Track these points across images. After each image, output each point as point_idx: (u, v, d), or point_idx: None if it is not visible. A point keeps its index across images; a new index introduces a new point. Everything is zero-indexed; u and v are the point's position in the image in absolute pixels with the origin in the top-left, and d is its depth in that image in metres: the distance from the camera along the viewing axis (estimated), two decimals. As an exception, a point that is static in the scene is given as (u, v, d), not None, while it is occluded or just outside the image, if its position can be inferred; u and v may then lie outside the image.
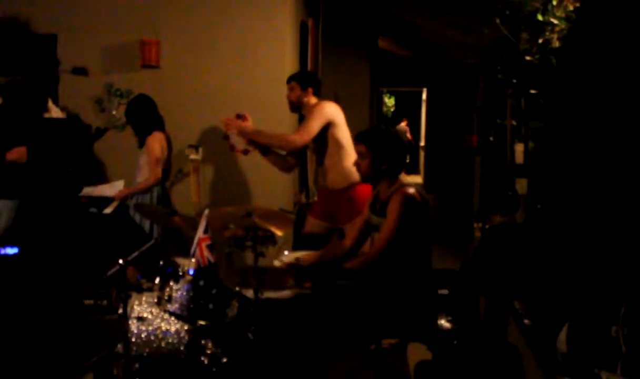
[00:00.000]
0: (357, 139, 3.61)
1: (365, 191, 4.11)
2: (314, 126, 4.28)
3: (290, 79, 4.56)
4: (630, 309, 2.28)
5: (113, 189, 4.86)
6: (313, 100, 4.48)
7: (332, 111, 4.37)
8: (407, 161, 3.56)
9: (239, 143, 4.53)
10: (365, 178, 3.61)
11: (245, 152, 4.59)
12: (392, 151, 3.46)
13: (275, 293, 3.36)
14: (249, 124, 4.48)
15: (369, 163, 3.49)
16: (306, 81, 4.49)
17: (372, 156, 3.47)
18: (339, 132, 4.37)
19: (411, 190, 3.40)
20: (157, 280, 3.27)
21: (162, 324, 3.20)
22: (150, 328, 3.19)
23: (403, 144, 3.55)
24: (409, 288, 3.36)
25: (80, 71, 5.61)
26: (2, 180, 4.10)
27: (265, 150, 4.54)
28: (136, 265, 3.59)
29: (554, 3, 3.45)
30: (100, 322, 3.03)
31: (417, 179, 16.77)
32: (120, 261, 3.04)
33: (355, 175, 4.27)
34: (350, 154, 4.30)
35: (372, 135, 3.55)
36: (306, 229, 4.54)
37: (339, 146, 4.36)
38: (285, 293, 3.39)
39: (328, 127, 4.32)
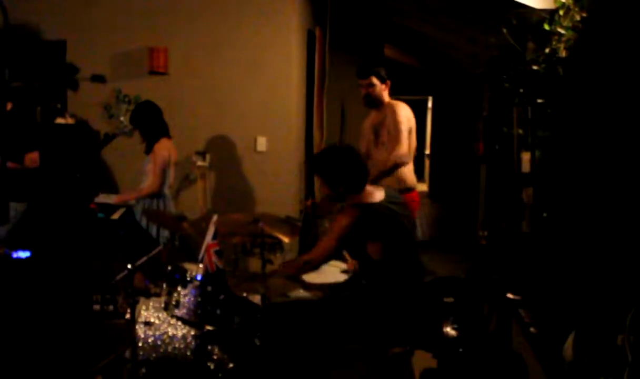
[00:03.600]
0: (310, 169, 3.52)
1: (413, 198, 4.24)
2: (405, 136, 4.24)
3: (367, 74, 4.38)
4: (637, 317, 2.28)
5: (109, 198, 4.88)
6: (386, 95, 4.40)
7: (411, 118, 4.33)
8: (365, 174, 3.37)
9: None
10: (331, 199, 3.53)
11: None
12: (342, 174, 3.32)
13: (282, 297, 3.38)
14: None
15: (329, 190, 3.41)
16: (384, 75, 4.39)
17: (327, 184, 3.39)
18: (411, 139, 4.34)
19: (371, 201, 3.30)
20: (165, 285, 3.29)
21: (169, 329, 3.21)
22: (157, 333, 3.20)
23: (353, 160, 3.37)
24: (399, 295, 3.33)
25: (99, 79, 5.66)
26: (13, 185, 4.14)
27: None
28: (144, 270, 3.61)
29: (561, 13, 3.46)
30: (109, 326, 3.04)
31: (422, 187, 16.77)
32: (129, 266, 3.06)
33: (409, 181, 4.33)
34: (410, 160, 4.35)
35: (320, 163, 3.43)
36: None
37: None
38: (293, 296, 3.41)
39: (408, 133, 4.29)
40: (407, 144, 4.27)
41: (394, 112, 4.30)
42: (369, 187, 3.38)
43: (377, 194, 3.36)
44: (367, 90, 4.38)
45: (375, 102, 4.42)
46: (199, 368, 3.11)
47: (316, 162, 3.47)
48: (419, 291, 3.44)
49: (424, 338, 3.47)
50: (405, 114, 4.32)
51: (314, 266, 3.32)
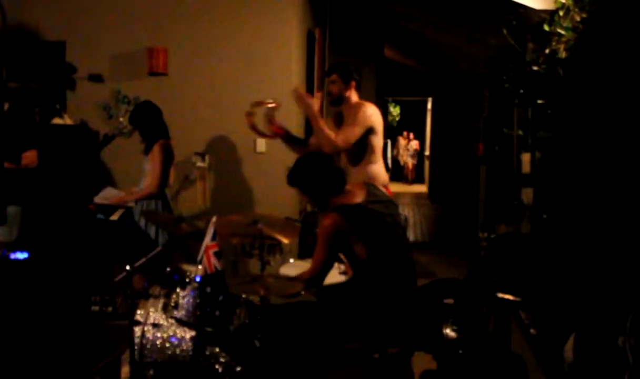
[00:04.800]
0: (289, 183, 3.49)
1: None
2: (357, 133, 4.21)
3: (331, 71, 4.46)
4: (637, 319, 2.27)
5: (106, 196, 4.87)
6: (354, 96, 4.40)
7: (375, 118, 4.30)
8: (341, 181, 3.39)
9: (266, 129, 4.46)
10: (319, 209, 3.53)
11: (275, 135, 4.49)
12: (316, 182, 3.35)
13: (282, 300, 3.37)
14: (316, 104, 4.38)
15: (308, 199, 3.47)
16: (348, 75, 4.38)
17: (305, 193, 3.42)
18: (376, 138, 4.30)
19: (348, 203, 3.30)
20: (163, 287, 3.28)
21: (178, 331, 3.19)
22: (166, 335, 3.19)
23: (323, 166, 3.39)
24: (392, 296, 3.31)
25: (97, 78, 5.65)
26: (12, 186, 4.13)
27: (292, 141, 4.54)
28: (143, 272, 3.60)
29: (561, 14, 3.46)
30: (108, 328, 3.04)
31: (422, 188, 16.76)
32: (128, 268, 3.05)
33: (379, 179, 4.27)
34: (379, 159, 4.33)
35: (295, 176, 3.43)
36: None
37: (372, 150, 4.30)
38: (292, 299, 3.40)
39: (367, 132, 4.25)
40: (346, 142, 4.21)
41: (358, 110, 4.30)
42: (349, 188, 3.37)
43: (359, 194, 3.34)
44: (329, 87, 4.44)
45: (335, 100, 4.45)
46: (206, 370, 3.09)
47: (290, 177, 3.44)
48: (412, 290, 3.42)
49: (423, 339, 3.45)
50: (369, 114, 4.29)
51: (316, 282, 3.30)
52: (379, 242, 3.29)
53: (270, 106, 4.38)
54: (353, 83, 4.39)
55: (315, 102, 4.43)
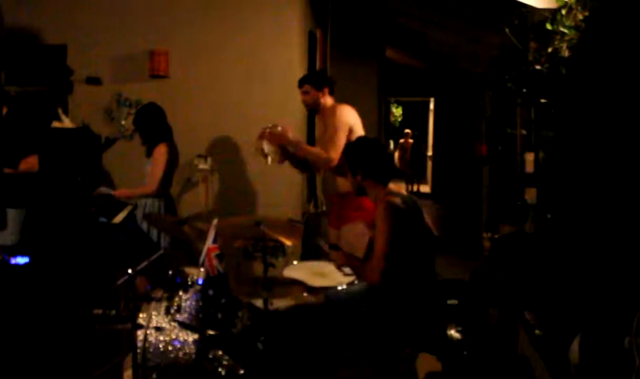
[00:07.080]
0: (344, 154, 3.68)
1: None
2: (341, 138, 4.23)
3: (302, 82, 4.50)
4: (644, 319, 2.25)
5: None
6: (329, 101, 4.45)
7: (351, 117, 4.35)
8: (390, 169, 3.58)
9: (274, 154, 4.45)
10: (354, 191, 3.63)
11: (282, 162, 4.54)
12: (363, 160, 3.47)
13: (284, 302, 3.35)
14: (291, 135, 4.39)
15: (349, 175, 3.54)
16: (320, 81, 4.45)
17: (348, 166, 3.53)
18: (355, 137, 4.27)
19: (394, 199, 3.35)
20: (166, 290, 3.27)
21: (180, 334, 3.18)
22: (168, 338, 3.18)
23: (380, 153, 3.54)
24: (412, 297, 3.33)
25: (94, 81, 5.64)
26: (12, 189, 4.12)
27: (298, 162, 4.55)
28: (145, 275, 3.59)
29: (563, 12, 3.44)
30: (110, 332, 3.02)
31: (425, 188, 16.74)
32: (130, 271, 3.04)
33: None
34: None
35: (349, 147, 3.64)
36: (331, 241, 4.43)
37: None
38: (295, 302, 3.39)
39: (348, 133, 4.29)
40: (340, 148, 4.19)
41: (333, 114, 4.34)
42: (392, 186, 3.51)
43: (394, 196, 3.42)
44: (303, 98, 4.48)
45: (313, 109, 4.53)
46: (209, 373, 3.09)
47: (349, 152, 3.62)
48: (426, 294, 3.42)
49: (428, 340, 3.44)
50: (344, 113, 4.34)
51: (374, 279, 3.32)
52: (419, 237, 3.39)
53: (277, 130, 4.37)
54: (326, 89, 4.44)
55: (288, 129, 4.42)
